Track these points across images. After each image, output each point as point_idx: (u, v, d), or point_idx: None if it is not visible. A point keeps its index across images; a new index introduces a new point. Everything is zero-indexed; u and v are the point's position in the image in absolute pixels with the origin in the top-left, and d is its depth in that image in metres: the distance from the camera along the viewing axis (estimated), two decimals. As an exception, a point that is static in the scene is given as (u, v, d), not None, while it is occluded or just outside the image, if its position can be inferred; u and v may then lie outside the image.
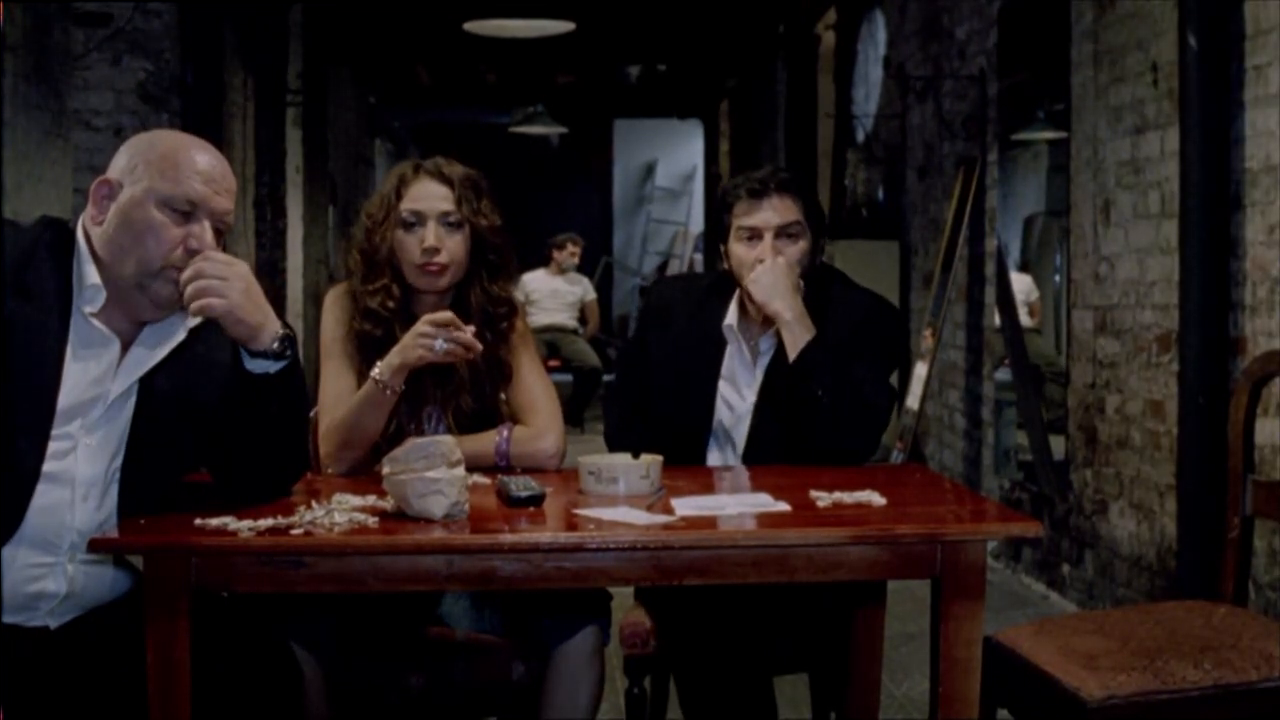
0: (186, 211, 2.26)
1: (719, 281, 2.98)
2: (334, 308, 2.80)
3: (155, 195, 2.26)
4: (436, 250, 2.69)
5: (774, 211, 2.80)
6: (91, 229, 2.29)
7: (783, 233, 2.81)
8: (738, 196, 2.83)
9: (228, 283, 2.22)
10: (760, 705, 2.61)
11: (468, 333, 2.58)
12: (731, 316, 2.89)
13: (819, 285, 2.88)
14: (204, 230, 2.27)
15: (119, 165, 2.30)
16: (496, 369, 2.76)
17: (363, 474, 2.64)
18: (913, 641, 4.30)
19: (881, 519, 2.25)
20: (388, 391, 2.61)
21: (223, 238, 2.33)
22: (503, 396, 2.80)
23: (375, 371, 2.62)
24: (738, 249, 2.84)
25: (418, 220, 2.71)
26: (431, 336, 2.56)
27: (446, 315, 2.59)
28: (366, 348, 2.72)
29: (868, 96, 8.39)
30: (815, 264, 2.88)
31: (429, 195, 2.72)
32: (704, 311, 2.90)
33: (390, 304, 2.72)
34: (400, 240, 2.71)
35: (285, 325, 2.32)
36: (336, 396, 2.69)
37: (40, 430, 2.21)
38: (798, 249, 2.82)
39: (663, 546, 2.14)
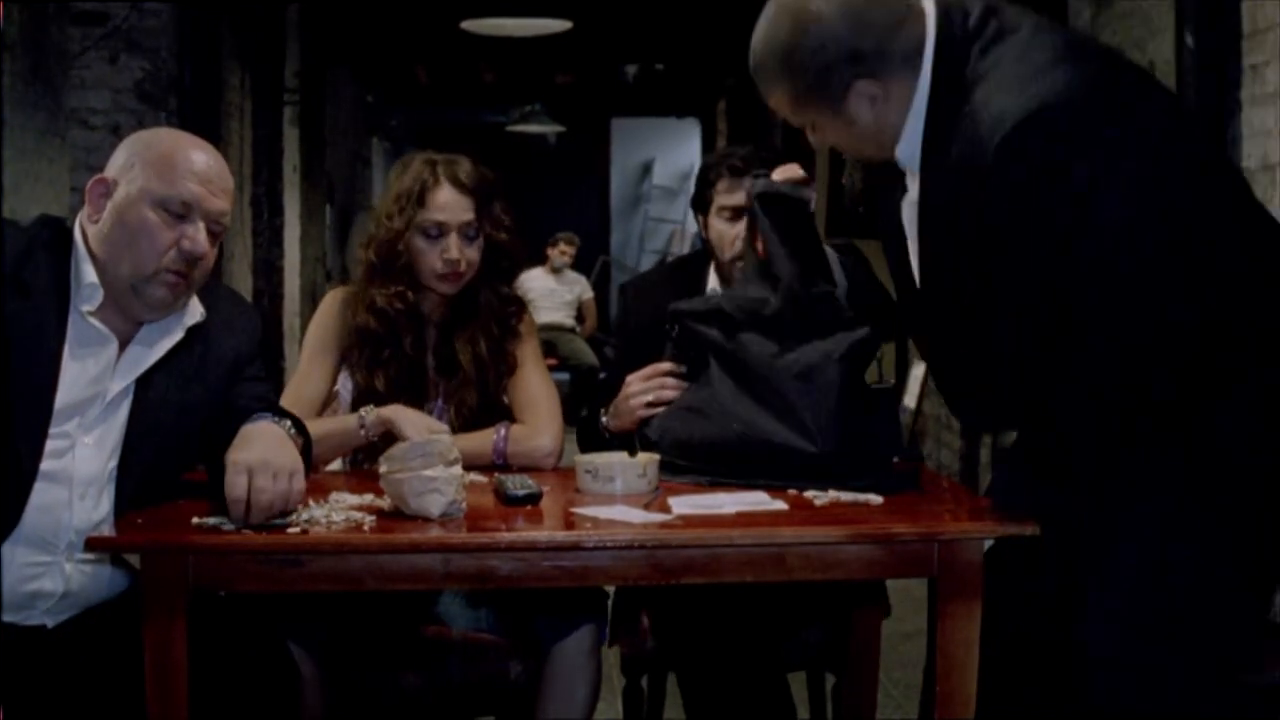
0: (180, 213, 2.26)
1: (685, 262, 3.03)
2: (330, 309, 2.81)
3: (150, 196, 2.25)
4: (458, 262, 2.72)
5: None
6: (88, 227, 2.29)
7: None
8: (720, 174, 2.86)
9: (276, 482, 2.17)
10: (770, 703, 2.61)
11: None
12: (714, 283, 2.92)
13: None
14: (198, 232, 2.27)
15: (116, 163, 2.30)
16: (502, 363, 2.79)
17: (360, 472, 2.65)
18: (910, 641, 4.30)
19: (879, 518, 2.25)
20: (364, 435, 2.63)
21: (218, 239, 2.32)
22: (504, 393, 2.81)
23: (362, 413, 2.63)
24: (719, 225, 2.89)
25: (440, 231, 2.73)
26: (424, 432, 2.51)
27: (438, 433, 2.52)
28: (365, 343, 2.73)
29: (865, 95, 8.38)
30: None
31: (452, 206, 2.74)
32: (682, 293, 2.90)
33: (400, 306, 2.73)
34: (420, 248, 2.73)
35: (285, 421, 2.33)
36: (307, 402, 2.70)
37: (38, 429, 2.21)
38: None
39: (660, 545, 2.14)
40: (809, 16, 2.10)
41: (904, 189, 2.22)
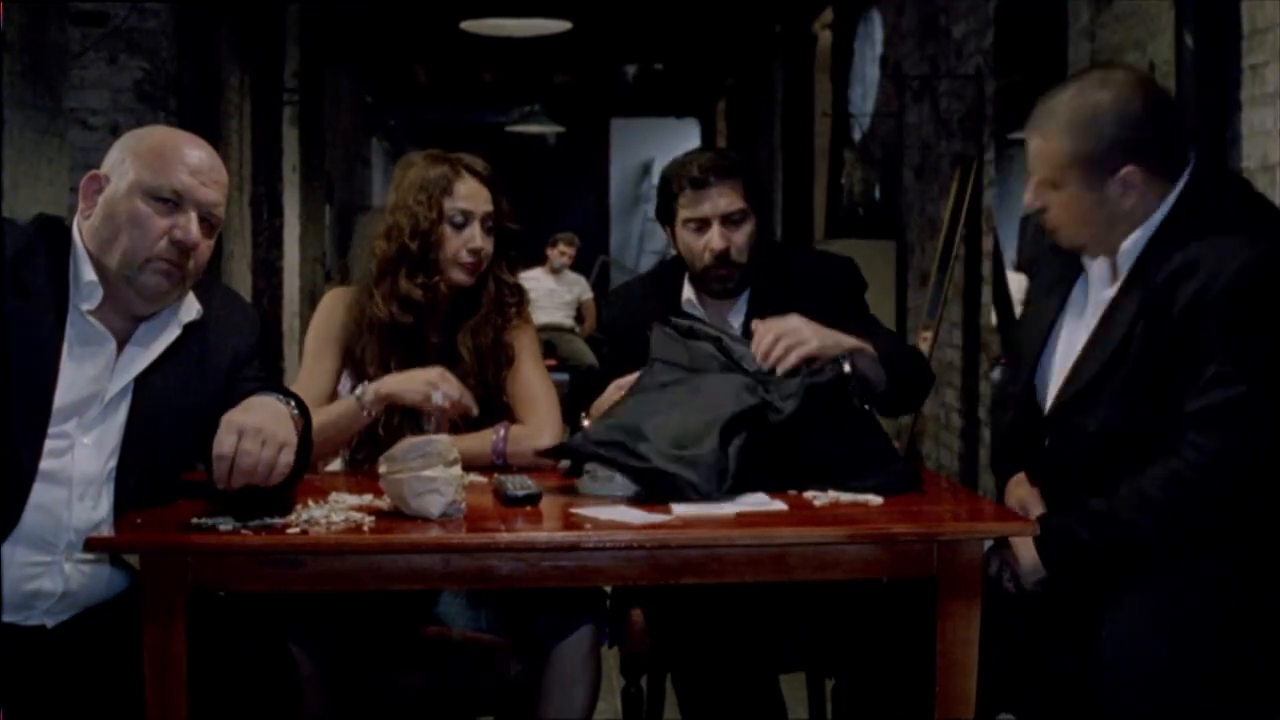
0: (172, 201, 2.26)
1: (665, 269, 3.05)
2: (332, 308, 2.81)
3: (141, 187, 2.25)
4: (480, 250, 2.75)
5: (718, 199, 2.84)
6: (83, 224, 2.29)
7: (727, 220, 2.85)
8: (681, 187, 2.86)
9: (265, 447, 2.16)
10: (761, 703, 2.61)
11: (466, 397, 2.64)
12: (688, 292, 2.92)
13: (774, 260, 2.93)
14: (189, 221, 2.26)
15: (109, 160, 2.31)
16: (501, 354, 2.80)
17: (359, 472, 2.65)
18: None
19: (878, 518, 2.25)
20: (365, 414, 2.65)
21: (214, 232, 2.32)
22: (503, 390, 2.81)
23: (359, 392, 2.64)
24: (686, 237, 2.88)
25: (465, 220, 2.75)
26: (436, 387, 2.60)
27: (446, 384, 2.62)
28: (394, 338, 2.75)
29: (864, 96, 8.39)
30: (762, 241, 2.91)
31: (476, 196, 2.78)
32: (661, 301, 2.92)
33: (430, 296, 2.75)
34: (447, 237, 2.74)
35: (286, 399, 2.31)
36: (313, 401, 2.69)
37: (37, 429, 2.21)
38: (744, 233, 2.86)
39: (659, 545, 2.14)
40: (1129, 95, 2.31)
41: (1062, 312, 2.45)
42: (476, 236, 2.75)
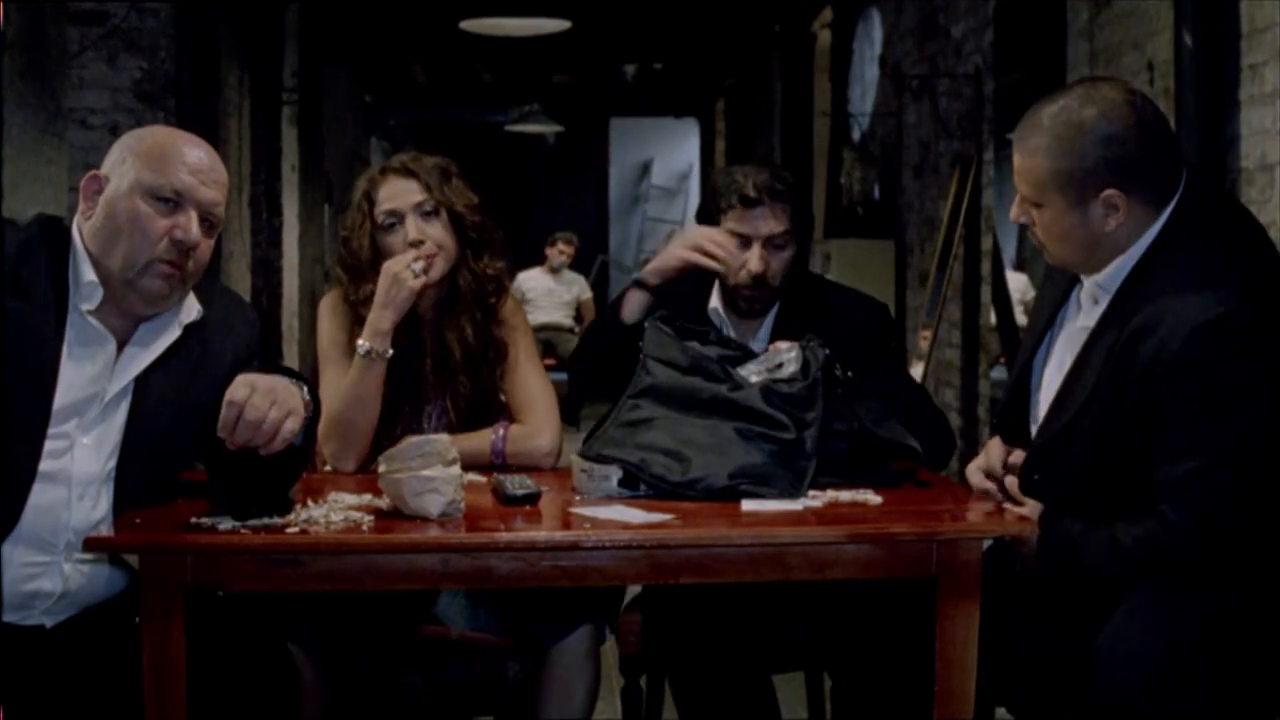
0: (173, 201, 2.26)
1: (697, 270, 3.01)
2: (330, 313, 2.81)
3: (141, 186, 2.25)
4: (421, 241, 2.71)
5: (765, 221, 2.82)
6: (83, 225, 2.29)
7: (770, 242, 2.83)
8: (731, 204, 2.83)
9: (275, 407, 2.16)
10: (756, 702, 2.61)
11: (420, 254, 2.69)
12: (715, 300, 2.91)
13: (809, 293, 2.92)
14: (190, 221, 2.26)
15: (109, 160, 2.31)
16: (492, 348, 2.78)
17: (359, 473, 2.65)
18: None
19: (877, 518, 2.25)
20: (378, 359, 2.65)
21: (214, 232, 2.32)
22: (501, 389, 2.80)
23: (360, 345, 2.64)
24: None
25: (396, 220, 2.73)
26: (402, 273, 2.64)
27: (400, 257, 2.67)
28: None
29: (863, 95, 8.40)
30: (799, 269, 2.90)
31: (400, 192, 2.74)
32: (686, 301, 2.90)
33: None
34: (386, 244, 2.73)
35: (299, 382, 2.30)
36: (337, 398, 2.70)
37: (37, 429, 2.21)
38: (783, 258, 2.84)
39: (658, 545, 2.14)
40: (1115, 114, 2.20)
41: (1063, 309, 2.39)
42: (413, 229, 2.71)
